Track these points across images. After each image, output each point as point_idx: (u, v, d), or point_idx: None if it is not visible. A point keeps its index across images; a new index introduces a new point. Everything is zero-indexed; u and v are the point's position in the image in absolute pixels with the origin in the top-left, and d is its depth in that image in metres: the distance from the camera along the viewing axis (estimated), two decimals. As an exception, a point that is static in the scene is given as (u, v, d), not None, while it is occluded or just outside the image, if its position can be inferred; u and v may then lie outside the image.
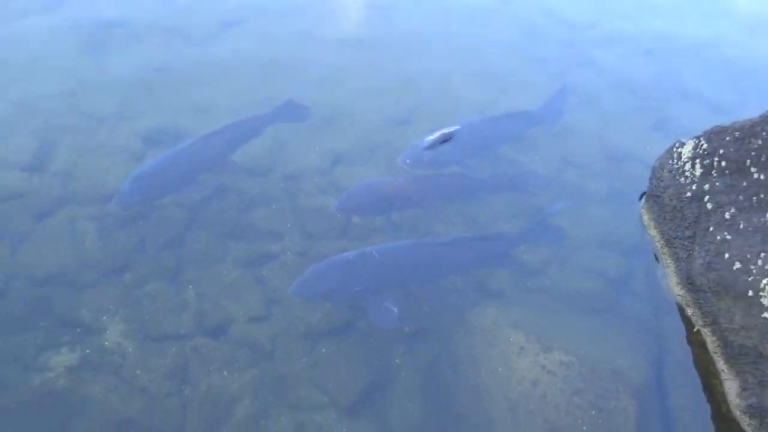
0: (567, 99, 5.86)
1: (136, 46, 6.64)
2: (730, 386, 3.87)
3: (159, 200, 4.91)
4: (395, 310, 4.09)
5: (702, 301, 4.13)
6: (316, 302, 4.34)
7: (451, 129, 5.06)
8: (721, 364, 3.97)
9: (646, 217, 4.82)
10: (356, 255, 4.20)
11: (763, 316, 3.60)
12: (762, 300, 3.61)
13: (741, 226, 3.88)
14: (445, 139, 4.95)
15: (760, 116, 3.96)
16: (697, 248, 4.17)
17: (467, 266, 4.62)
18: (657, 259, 4.66)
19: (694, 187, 4.29)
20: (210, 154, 4.99)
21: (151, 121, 5.76)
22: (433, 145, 4.94)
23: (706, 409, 3.94)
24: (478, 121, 5.46)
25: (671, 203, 4.47)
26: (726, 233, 3.95)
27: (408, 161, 4.97)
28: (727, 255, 3.90)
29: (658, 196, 4.63)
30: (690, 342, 4.21)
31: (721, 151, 4.16)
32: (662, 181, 4.59)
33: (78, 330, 4.29)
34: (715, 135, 4.25)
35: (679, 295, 4.36)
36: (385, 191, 4.79)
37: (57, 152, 5.39)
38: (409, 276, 4.36)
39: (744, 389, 3.76)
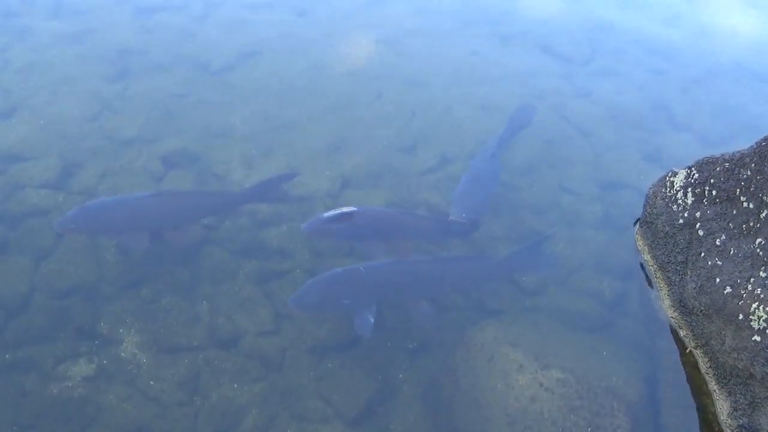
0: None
1: (158, 73, 6.71)
2: (722, 406, 3.84)
3: (93, 236, 4.73)
4: (371, 320, 4.14)
5: (694, 324, 4.11)
6: (311, 313, 4.40)
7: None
8: (712, 385, 3.94)
9: (640, 243, 4.82)
10: (345, 271, 4.31)
11: (753, 339, 3.59)
12: (752, 323, 3.60)
13: (731, 252, 3.88)
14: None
15: (749, 148, 3.98)
16: (689, 273, 4.17)
17: (451, 287, 4.65)
18: (650, 282, 4.65)
19: (686, 215, 4.29)
20: (165, 212, 4.69)
21: (171, 145, 5.80)
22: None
23: (698, 428, 3.91)
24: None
25: (664, 229, 4.47)
26: (717, 259, 3.95)
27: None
28: (718, 279, 3.89)
29: (652, 223, 4.64)
30: (683, 362, 4.18)
31: (712, 181, 4.17)
32: (656, 208, 4.60)
33: (96, 341, 4.30)
34: (705, 165, 4.26)
35: (672, 318, 4.34)
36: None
37: (81, 172, 5.42)
38: (392, 292, 4.42)
39: (735, 409, 3.72)
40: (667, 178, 4.57)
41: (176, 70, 6.77)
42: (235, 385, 4.14)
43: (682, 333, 4.25)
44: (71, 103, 6.17)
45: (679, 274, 4.30)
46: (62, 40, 7.01)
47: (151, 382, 4.11)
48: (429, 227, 4.82)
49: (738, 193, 3.96)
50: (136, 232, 4.54)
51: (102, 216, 4.60)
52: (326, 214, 4.60)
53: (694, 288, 4.06)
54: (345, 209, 4.67)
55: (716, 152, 4.28)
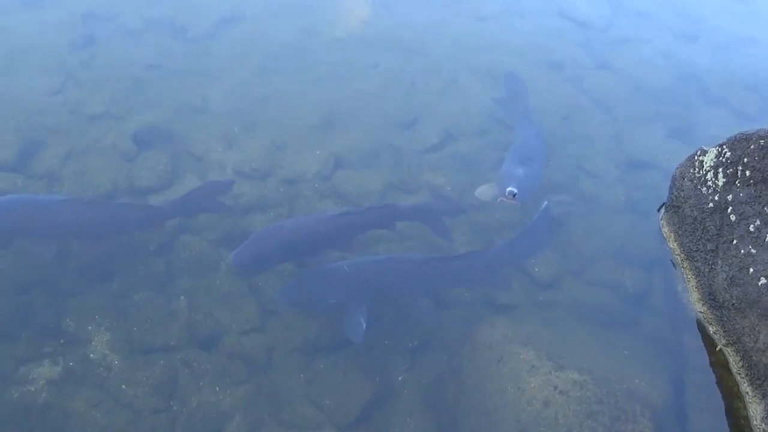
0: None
1: (128, 41, 6.65)
2: (755, 410, 3.84)
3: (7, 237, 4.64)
4: (363, 324, 4.17)
5: (725, 319, 4.11)
6: (299, 309, 4.46)
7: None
8: (745, 386, 3.94)
9: (665, 229, 4.82)
10: (329, 269, 4.39)
11: (790, 335, 3.58)
12: (789, 318, 3.59)
13: (767, 239, 3.87)
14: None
15: (788, 123, 3.95)
16: (719, 262, 4.16)
17: (446, 284, 4.68)
18: (677, 273, 4.65)
19: (716, 198, 4.28)
20: (75, 221, 4.50)
21: (143, 121, 5.76)
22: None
23: (729, 434, 3.92)
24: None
25: (692, 214, 4.46)
26: (750, 247, 3.94)
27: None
28: (751, 270, 3.88)
29: (679, 207, 4.63)
30: (712, 362, 4.19)
31: (745, 160, 4.15)
32: (683, 191, 4.59)
33: (61, 341, 4.29)
34: (738, 143, 4.24)
35: (701, 312, 4.34)
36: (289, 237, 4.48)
37: (42, 153, 5.38)
38: (381, 290, 4.48)
39: (770, 413, 3.74)
40: (696, 158, 4.55)
41: (148, 37, 6.71)
42: (217, 389, 4.14)
43: (711, 329, 4.26)
44: (30, 75, 6.11)
45: (709, 264, 4.29)
46: (20, 3, 6.93)
47: (123, 386, 4.11)
48: (374, 220, 4.72)
49: (775, 173, 3.95)
50: (42, 239, 4.38)
51: (5, 217, 4.44)
52: (255, 238, 4.45)
53: (725, 279, 4.06)
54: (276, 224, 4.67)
55: (751, 128, 4.24)
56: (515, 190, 4.82)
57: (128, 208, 4.86)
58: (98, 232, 4.59)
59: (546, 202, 4.88)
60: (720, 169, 4.30)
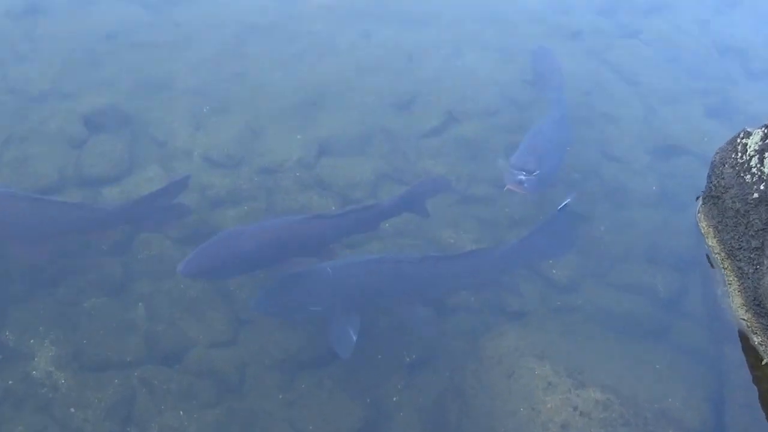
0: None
1: (78, 7, 6.62)
2: (807, 433, 3.84)
3: None
4: (354, 336, 4.14)
5: (772, 328, 4.10)
6: (277, 318, 4.45)
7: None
8: (795, 406, 3.94)
9: (703, 224, 4.82)
10: (309, 271, 4.35)
11: None
12: None
13: (821, 235, 3.84)
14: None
15: None
16: (766, 262, 4.15)
17: (447, 290, 4.66)
18: (716, 275, 4.64)
19: (762, 187, 4.27)
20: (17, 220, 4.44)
21: (96, 101, 5.74)
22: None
23: (777, 461, 3.94)
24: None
25: (734, 206, 4.46)
26: (802, 243, 3.92)
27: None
28: (803, 270, 3.86)
29: (719, 198, 4.62)
30: (757, 377, 4.18)
31: (797, 143, 4.15)
32: (723, 179, 4.59)
33: (-1, 356, 4.26)
34: (789, 123, 4.25)
35: (744, 320, 4.33)
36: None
37: (-22, 137, 5.38)
38: (370, 296, 4.44)
39: (824, 437, 3.72)
40: (738, 140, 4.54)
41: (103, 2, 6.67)
42: (181, 413, 4.11)
43: (756, 339, 4.24)
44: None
45: (754, 264, 4.27)
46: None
47: (72, 409, 4.06)
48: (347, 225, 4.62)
49: (831, 158, 3.94)
50: None
51: None
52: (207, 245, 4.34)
53: (773, 282, 4.04)
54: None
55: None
56: (523, 177, 4.79)
57: (66, 207, 4.66)
58: (23, 234, 4.48)
59: (569, 198, 4.83)
60: (766, 154, 4.28)
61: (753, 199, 4.32)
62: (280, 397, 4.22)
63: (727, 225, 4.53)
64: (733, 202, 4.47)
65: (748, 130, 4.54)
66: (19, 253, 4.54)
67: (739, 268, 4.39)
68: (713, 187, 4.69)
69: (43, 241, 4.52)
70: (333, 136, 5.68)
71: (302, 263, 4.42)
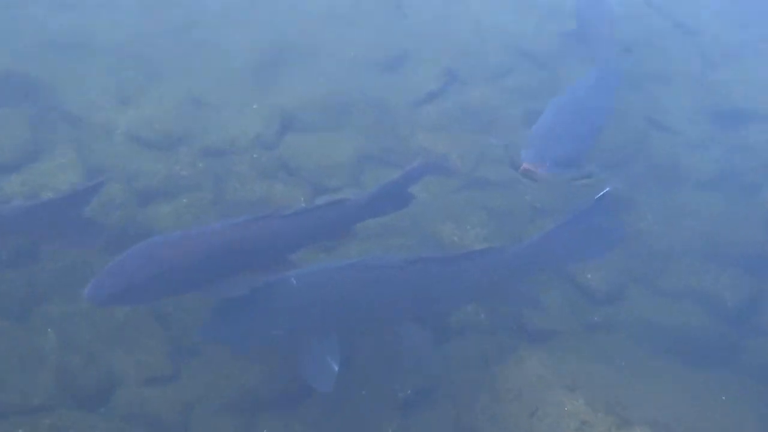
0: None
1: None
2: None
3: None
4: (335, 366, 4.11)
5: None
6: (225, 342, 4.39)
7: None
8: None
9: (779, 211, 4.86)
10: (268, 284, 4.29)
11: None
12: None
13: None
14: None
15: None
16: None
17: (448, 300, 4.60)
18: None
19: None
20: None
21: (-9, 64, 5.76)
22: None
23: None
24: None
25: (821, 188, 4.44)
26: None
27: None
28: None
29: (799, 177, 4.61)
30: None
31: None
32: (805, 153, 4.56)
33: None
34: None
35: (834, 336, 4.36)
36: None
37: None
38: (348, 313, 4.40)
39: None
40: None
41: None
42: (107, 470, 4.09)
43: None
44: None
45: None
46: None
47: (-37, 469, 4.06)
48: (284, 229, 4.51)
49: None
50: None
51: None
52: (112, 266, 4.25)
53: None
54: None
55: None
56: (539, 157, 4.79)
57: None
58: None
59: (608, 188, 4.80)
60: None
61: None
62: (235, 446, 4.22)
63: (811, 212, 4.54)
64: (820, 182, 4.48)
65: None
66: None
67: (828, 268, 4.40)
68: (793, 164, 4.71)
69: None
70: (300, 105, 5.69)
71: (254, 279, 4.31)
